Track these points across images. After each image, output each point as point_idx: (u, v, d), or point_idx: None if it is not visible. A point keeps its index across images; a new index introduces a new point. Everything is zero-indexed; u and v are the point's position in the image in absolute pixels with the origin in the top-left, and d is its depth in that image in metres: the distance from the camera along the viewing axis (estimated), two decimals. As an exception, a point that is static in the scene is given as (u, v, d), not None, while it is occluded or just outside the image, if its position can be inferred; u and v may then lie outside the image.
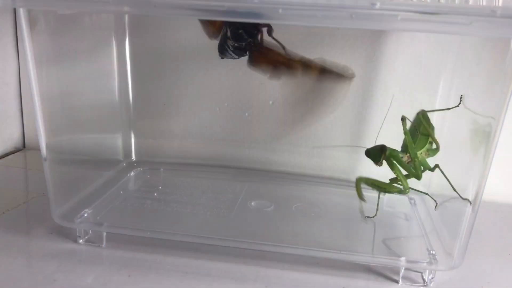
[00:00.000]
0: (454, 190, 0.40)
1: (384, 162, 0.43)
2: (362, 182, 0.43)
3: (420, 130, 0.44)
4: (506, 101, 0.34)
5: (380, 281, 0.39)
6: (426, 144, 0.43)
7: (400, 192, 0.43)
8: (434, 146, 0.44)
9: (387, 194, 0.53)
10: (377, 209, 0.46)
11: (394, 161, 0.42)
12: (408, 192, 0.43)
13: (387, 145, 0.43)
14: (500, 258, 0.45)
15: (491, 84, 0.39)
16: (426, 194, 0.46)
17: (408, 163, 0.43)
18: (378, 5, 0.30)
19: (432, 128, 0.45)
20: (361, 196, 0.43)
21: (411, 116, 0.45)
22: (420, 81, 0.53)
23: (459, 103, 0.42)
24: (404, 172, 0.43)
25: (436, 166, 0.43)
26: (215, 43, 0.57)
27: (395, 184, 0.43)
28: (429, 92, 0.51)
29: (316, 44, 0.54)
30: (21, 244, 0.42)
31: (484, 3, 0.36)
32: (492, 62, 0.39)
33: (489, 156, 0.36)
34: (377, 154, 0.42)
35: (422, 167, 0.43)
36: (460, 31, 0.33)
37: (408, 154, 0.43)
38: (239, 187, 0.54)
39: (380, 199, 0.46)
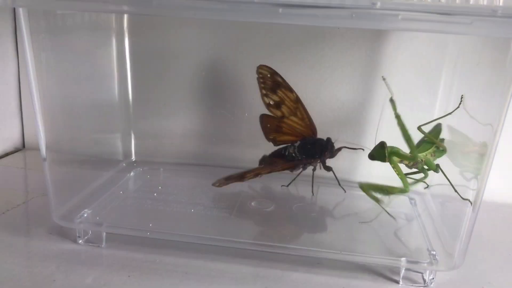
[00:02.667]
0: (455, 190, 0.40)
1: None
2: (365, 187, 0.43)
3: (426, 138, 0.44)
4: (507, 101, 0.34)
5: (380, 282, 0.39)
6: (431, 148, 0.43)
7: (401, 191, 0.42)
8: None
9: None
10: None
11: (395, 159, 0.42)
12: (408, 191, 0.42)
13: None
14: (500, 258, 0.45)
15: (492, 84, 0.39)
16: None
17: (412, 164, 0.43)
18: (378, 5, 0.30)
19: (439, 131, 0.44)
20: (376, 199, 0.43)
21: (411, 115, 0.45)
22: (420, 81, 0.53)
23: (460, 104, 0.42)
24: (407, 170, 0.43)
25: (438, 166, 0.42)
26: (216, 43, 0.57)
27: (395, 186, 0.43)
28: (429, 92, 0.51)
29: (316, 44, 0.54)
30: (21, 244, 0.42)
31: (485, 3, 0.36)
32: (492, 61, 0.39)
33: (489, 156, 0.36)
34: (380, 152, 0.42)
35: (426, 167, 0.43)
36: (460, 31, 0.33)
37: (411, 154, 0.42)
38: (239, 187, 0.54)
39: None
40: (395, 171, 0.42)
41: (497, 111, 0.35)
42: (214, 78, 0.57)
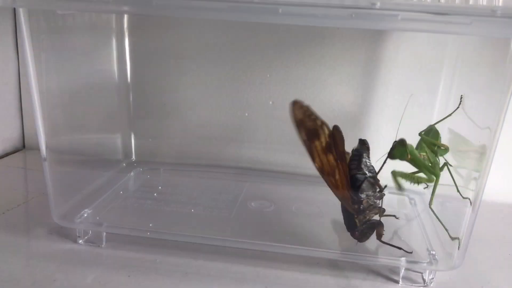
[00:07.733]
0: (458, 190, 0.40)
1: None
2: (397, 174, 0.41)
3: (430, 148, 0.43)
4: (507, 101, 0.34)
5: (380, 281, 0.39)
6: (433, 149, 0.42)
7: (428, 181, 0.41)
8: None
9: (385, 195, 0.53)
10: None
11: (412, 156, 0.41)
12: (433, 181, 0.41)
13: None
14: (500, 258, 0.45)
15: (492, 84, 0.39)
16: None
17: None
18: (378, 5, 0.30)
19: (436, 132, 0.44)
20: (399, 187, 0.41)
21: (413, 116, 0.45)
22: (420, 81, 0.53)
23: (459, 104, 0.42)
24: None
25: (445, 164, 0.42)
26: (215, 43, 0.57)
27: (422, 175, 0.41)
28: (429, 92, 0.51)
29: (316, 44, 0.54)
30: (21, 244, 0.42)
31: (484, 3, 0.36)
32: (492, 62, 0.39)
33: (489, 156, 0.36)
34: (401, 149, 0.40)
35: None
36: (460, 31, 0.33)
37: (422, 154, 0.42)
38: (239, 187, 0.54)
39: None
40: (419, 165, 0.41)
41: (497, 111, 0.35)
42: (213, 78, 0.57)
